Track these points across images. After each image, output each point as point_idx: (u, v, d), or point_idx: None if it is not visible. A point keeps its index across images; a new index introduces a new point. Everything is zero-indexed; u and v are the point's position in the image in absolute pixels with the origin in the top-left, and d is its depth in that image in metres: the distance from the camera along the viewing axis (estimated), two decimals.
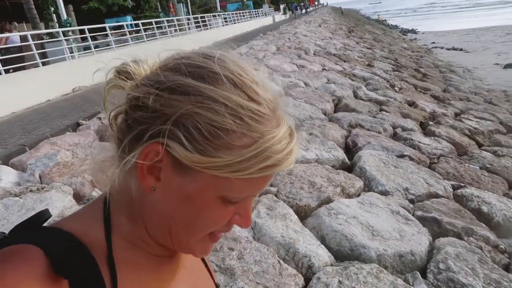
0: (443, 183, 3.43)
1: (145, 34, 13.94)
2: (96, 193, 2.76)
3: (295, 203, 2.85)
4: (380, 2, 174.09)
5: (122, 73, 0.51)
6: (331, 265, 2.25)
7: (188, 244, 0.53)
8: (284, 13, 43.88)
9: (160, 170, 0.47)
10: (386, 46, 18.40)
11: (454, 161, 4.11)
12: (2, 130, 5.46)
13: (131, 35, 13.21)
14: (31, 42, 8.15)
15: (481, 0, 68.70)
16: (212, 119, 0.44)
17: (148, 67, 0.51)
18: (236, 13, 28.67)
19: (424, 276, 2.25)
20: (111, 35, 11.90)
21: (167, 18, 17.88)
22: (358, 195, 3.14)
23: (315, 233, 2.54)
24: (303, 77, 7.75)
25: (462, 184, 3.53)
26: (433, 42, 24.57)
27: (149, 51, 0.54)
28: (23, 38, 8.56)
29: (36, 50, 8.33)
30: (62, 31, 9.72)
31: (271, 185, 3.01)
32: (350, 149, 4.29)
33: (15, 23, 11.68)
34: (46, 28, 11.95)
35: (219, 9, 32.19)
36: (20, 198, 2.79)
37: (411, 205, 3.03)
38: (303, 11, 52.57)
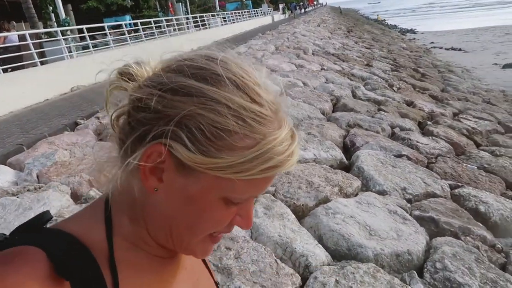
0: (440, 182, 3.44)
1: (144, 34, 13.91)
2: (94, 193, 2.76)
3: (293, 202, 2.85)
4: (379, 2, 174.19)
5: (124, 74, 0.51)
6: (328, 264, 2.25)
7: (189, 245, 0.53)
8: (283, 12, 43.86)
9: (162, 171, 0.47)
10: (385, 46, 18.41)
11: (452, 161, 4.11)
12: (0, 129, 5.45)
13: (130, 35, 13.19)
14: (29, 41, 8.13)
15: (480, 0, 68.80)
16: (215, 120, 0.44)
17: (150, 68, 0.51)
18: (235, 13, 28.65)
19: (421, 275, 2.25)
20: (110, 35, 11.87)
21: (166, 18, 17.88)
22: (356, 195, 3.14)
23: (313, 233, 2.55)
24: (301, 76, 7.75)
25: (460, 184, 3.54)
26: (432, 42, 24.59)
27: (149, 52, 0.54)
28: (22, 37, 8.54)
29: (35, 49, 8.31)
30: (60, 31, 9.71)
31: None
32: (348, 148, 4.29)
33: (14, 22, 11.68)
34: (44, 28, 11.94)
35: (218, 8, 32.20)
36: (17, 197, 2.78)
37: (408, 205, 3.04)
38: (302, 10, 52.59)
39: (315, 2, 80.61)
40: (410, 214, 2.87)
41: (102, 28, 11.82)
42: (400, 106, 6.33)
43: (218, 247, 2.18)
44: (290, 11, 44.04)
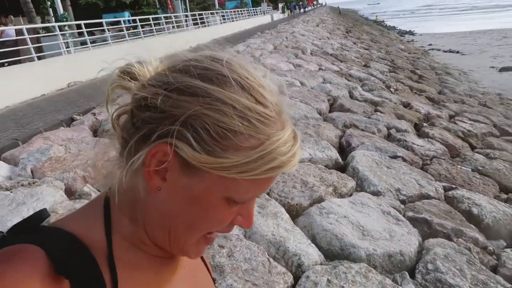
0: (434, 184, 3.46)
1: (142, 31, 13.87)
2: (87, 189, 2.75)
3: (287, 202, 2.86)
4: (378, 3, 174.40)
5: (126, 73, 0.51)
6: (321, 264, 2.26)
7: (184, 246, 0.54)
8: (283, 12, 43.85)
9: (166, 170, 0.47)
10: (383, 47, 18.44)
11: (446, 163, 4.13)
12: None
13: (128, 31, 13.15)
14: (26, 36, 8.09)
15: (478, 3, 68.97)
16: (220, 120, 0.45)
17: (152, 68, 0.52)
18: (234, 11, 28.61)
19: (412, 276, 2.26)
20: (108, 31, 11.83)
21: (164, 15, 17.83)
22: (350, 195, 3.15)
23: (306, 232, 2.55)
24: (299, 76, 7.76)
25: (454, 186, 3.56)
26: (430, 44, 24.65)
27: (150, 50, 0.54)
28: (19, 32, 8.50)
29: (32, 44, 8.27)
30: (58, 26, 9.67)
31: None
32: (344, 149, 4.30)
33: (11, 16, 11.62)
34: (42, 23, 11.89)
35: (217, 6, 32.15)
36: (11, 192, 2.78)
37: (402, 206, 3.05)
38: (302, 10, 52.59)
39: (314, 2, 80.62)
40: (404, 215, 2.89)
41: (101, 24, 11.78)
42: (397, 108, 6.35)
43: (211, 245, 2.19)
44: (289, 11, 44.02)
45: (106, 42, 11.50)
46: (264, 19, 33.20)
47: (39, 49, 9.08)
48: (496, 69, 15.62)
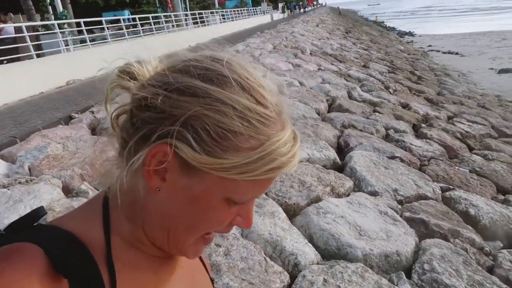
0: (432, 185, 3.46)
1: (142, 29, 13.86)
2: (85, 187, 2.75)
3: (284, 201, 2.86)
4: (378, 4, 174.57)
5: (125, 73, 0.51)
6: (317, 263, 2.26)
7: (183, 246, 0.54)
8: (283, 11, 43.85)
9: (165, 170, 0.47)
10: (382, 48, 18.46)
11: (444, 164, 4.14)
12: None
13: (128, 30, 13.14)
14: (25, 33, 8.08)
15: (478, 4, 69.06)
16: (221, 121, 0.45)
17: (152, 67, 0.51)
18: (234, 11, 28.62)
19: (409, 276, 2.27)
20: (108, 29, 11.82)
21: (164, 14, 17.82)
22: (348, 195, 3.15)
23: (303, 232, 2.56)
24: (298, 76, 7.76)
25: (451, 187, 3.56)
26: (430, 45, 24.68)
27: (149, 49, 0.54)
28: (18, 30, 8.49)
29: (31, 42, 8.26)
30: (57, 24, 9.65)
31: None
32: (342, 149, 4.30)
33: (11, 14, 11.60)
34: (41, 20, 11.87)
35: (217, 6, 32.14)
36: (8, 189, 2.77)
37: (399, 206, 3.05)
38: (302, 10, 52.60)
39: (314, 2, 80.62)
40: (401, 216, 2.89)
41: (100, 23, 11.77)
42: (395, 108, 6.36)
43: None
44: (289, 10, 44.02)
45: (105, 41, 11.50)
46: (264, 19, 33.20)
47: (38, 47, 9.06)
48: (495, 71, 15.65)
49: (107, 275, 0.48)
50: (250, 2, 41.36)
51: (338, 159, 3.84)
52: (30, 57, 8.23)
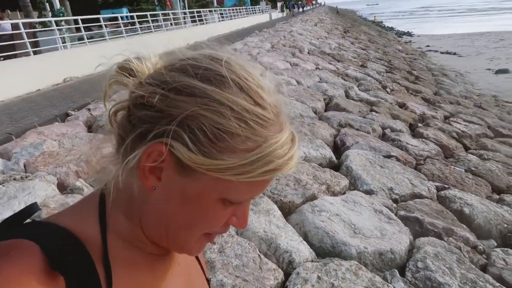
0: (427, 184, 3.47)
1: (140, 27, 13.83)
2: (80, 184, 2.75)
3: (280, 199, 2.87)
4: (377, 4, 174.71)
5: (124, 69, 0.50)
6: (312, 261, 2.27)
7: (185, 244, 0.53)
8: (281, 10, 43.82)
9: (161, 170, 0.47)
10: (380, 48, 18.47)
11: (440, 163, 4.15)
12: None
13: (126, 27, 13.11)
14: (22, 30, 8.05)
15: (476, 5, 69.19)
16: (218, 121, 0.44)
17: (151, 64, 0.51)
18: (232, 9, 28.58)
19: (403, 274, 2.28)
20: (106, 27, 11.79)
21: (162, 12, 17.78)
22: (343, 194, 3.16)
23: (298, 230, 2.56)
24: (295, 75, 7.77)
25: (446, 186, 3.57)
26: (428, 45, 24.71)
27: (147, 46, 0.53)
28: (15, 26, 8.46)
29: (28, 38, 8.23)
30: (54, 21, 9.62)
31: None
32: (339, 148, 4.31)
33: (8, 11, 11.56)
34: (39, 17, 11.83)
35: (215, 4, 32.09)
36: (3, 186, 2.77)
37: (394, 205, 3.06)
38: (300, 9, 52.57)
39: (313, 1, 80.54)
40: (396, 214, 2.90)
41: (98, 20, 11.74)
42: (392, 108, 6.37)
43: None
44: (288, 10, 43.98)
45: (103, 38, 11.46)
46: (263, 18, 33.19)
47: (35, 44, 9.03)
48: (492, 71, 15.70)
49: (104, 272, 0.48)
50: (249, 1, 41.29)
51: (334, 158, 3.85)
52: (27, 54, 8.21)
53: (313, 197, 2.93)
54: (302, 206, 2.78)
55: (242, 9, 31.20)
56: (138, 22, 13.59)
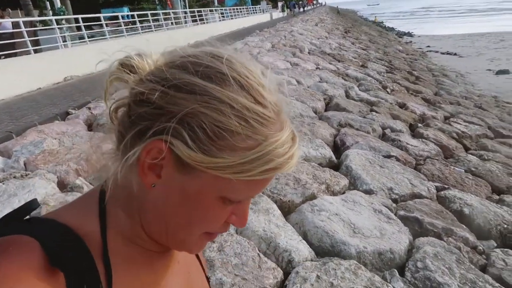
0: (427, 184, 3.47)
1: (140, 26, 13.83)
2: (80, 182, 2.75)
3: (279, 198, 2.87)
4: (378, 4, 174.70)
5: (125, 66, 0.50)
6: (311, 260, 2.27)
7: (184, 242, 0.53)
8: (282, 10, 43.81)
9: (161, 167, 0.47)
10: (381, 48, 18.47)
11: (440, 163, 4.15)
12: None
13: (126, 27, 13.12)
14: (23, 29, 8.05)
15: (477, 6, 69.19)
16: (218, 119, 0.44)
17: (152, 61, 0.51)
18: (233, 9, 28.59)
19: (402, 274, 2.28)
20: (106, 26, 11.79)
21: (163, 11, 17.79)
22: (343, 193, 3.16)
23: (298, 229, 2.56)
24: (296, 75, 7.77)
25: (446, 186, 3.57)
26: (428, 46, 24.71)
27: (151, 44, 0.53)
28: (16, 25, 8.46)
29: (29, 37, 8.23)
30: (55, 19, 9.63)
31: None
32: (339, 147, 4.31)
33: (9, 9, 11.57)
34: (40, 16, 11.83)
35: (216, 4, 32.09)
36: (3, 184, 2.77)
37: (394, 205, 3.06)
38: (301, 9, 52.56)
39: (314, 1, 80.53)
40: (395, 214, 2.90)
41: (99, 19, 11.74)
42: (392, 108, 6.37)
43: None
44: (289, 9, 43.97)
45: (104, 37, 11.46)
46: (263, 18, 33.19)
47: (36, 43, 9.04)
48: (493, 72, 15.70)
49: (103, 269, 0.48)
50: (250, 0, 41.30)
51: (334, 158, 3.85)
52: (27, 53, 8.21)
53: (313, 197, 2.93)
54: (302, 206, 2.78)
55: (243, 8, 31.21)
56: (139, 21, 13.59)
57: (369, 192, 3.19)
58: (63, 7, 12.48)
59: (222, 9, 27.15)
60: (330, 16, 42.15)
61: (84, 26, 10.33)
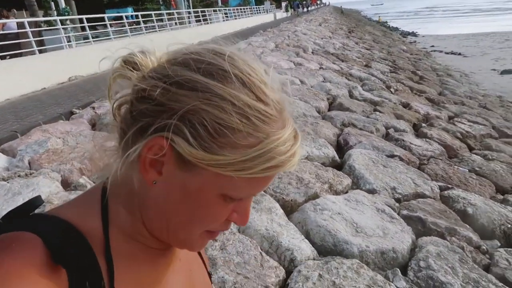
0: (430, 184, 3.46)
1: (145, 26, 13.87)
2: (83, 180, 2.77)
3: (282, 197, 2.87)
4: (382, 4, 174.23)
5: (128, 63, 0.50)
6: (314, 259, 2.27)
7: (186, 240, 0.53)
8: (286, 10, 43.80)
9: (162, 164, 0.47)
10: (385, 48, 18.42)
11: (443, 163, 4.14)
12: None
13: (131, 27, 13.17)
14: (28, 29, 8.10)
15: (481, 5, 68.83)
16: (219, 117, 0.44)
17: (156, 59, 0.51)
18: (237, 9, 28.60)
19: (405, 273, 2.27)
20: (111, 26, 11.84)
21: (167, 11, 17.83)
22: (346, 193, 3.16)
23: (300, 228, 2.56)
24: (299, 74, 7.76)
25: (450, 186, 3.56)
26: (433, 46, 24.61)
27: (155, 44, 0.54)
28: (21, 25, 8.52)
29: (33, 37, 8.28)
30: (60, 20, 9.68)
31: None
32: (342, 147, 4.31)
33: (14, 10, 11.64)
34: (44, 16, 11.90)
35: (220, 4, 32.12)
36: (8, 182, 2.79)
37: (397, 204, 3.06)
38: (305, 9, 52.50)
39: (318, 1, 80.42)
40: (398, 214, 2.89)
41: (103, 19, 11.80)
42: (396, 108, 6.35)
43: None
44: (293, 9, 43.95)
45: (108, 37, 11.51)
46: (267, 18, 33.19)
47: (40, 43, 9.09)
48: (498, 72, 15.61)
49: (105, 266, 0.48)
50: (253, 0, 41.29)
51: (337, 157, 3.84)
52: (32, 53, 8.26)
53: (316, 196, 2.93)
54: (304, 205, 2.78)
55: (247, 8, 31.21)
56: (143, 21, 13.63)
57: (372, 191, 3.19)
58: (68, 7, 12.54)
59: (225, 9, 27.17)
60: (334, 16, 42.06)
61: (89, 26, 10.37)
